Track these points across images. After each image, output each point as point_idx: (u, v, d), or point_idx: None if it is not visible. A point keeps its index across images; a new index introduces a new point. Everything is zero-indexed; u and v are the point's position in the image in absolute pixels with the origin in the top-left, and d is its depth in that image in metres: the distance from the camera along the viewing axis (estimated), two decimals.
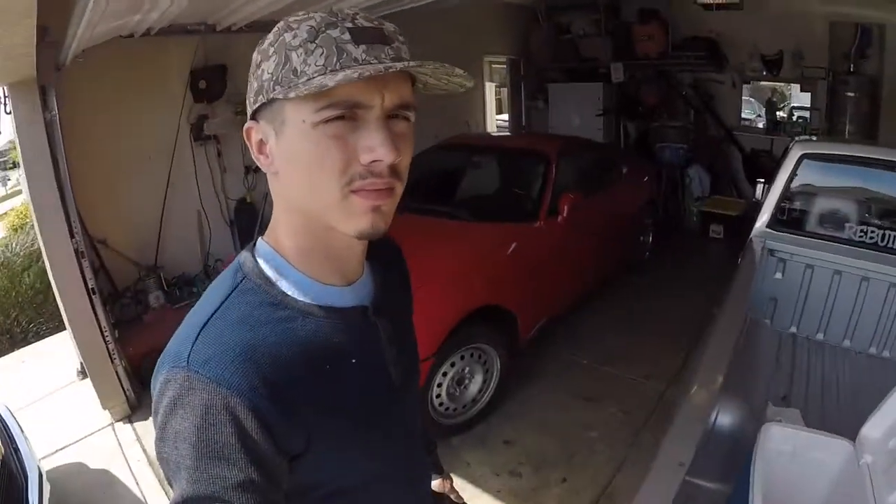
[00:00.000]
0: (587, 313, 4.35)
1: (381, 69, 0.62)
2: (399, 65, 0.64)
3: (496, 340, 3.19)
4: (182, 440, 0.63)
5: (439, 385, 2.96)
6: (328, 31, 0.65)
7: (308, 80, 0.63)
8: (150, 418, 0.72)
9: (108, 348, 3.46)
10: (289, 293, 0.73)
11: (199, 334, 0.67)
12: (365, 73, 0.61)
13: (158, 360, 0.69)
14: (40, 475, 2.43)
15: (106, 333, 3.46)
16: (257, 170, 5.04)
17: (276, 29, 0.68)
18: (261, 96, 0.69)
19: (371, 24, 0.68)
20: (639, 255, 5.30)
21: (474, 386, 3.16)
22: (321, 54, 0.64)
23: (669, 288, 4.83)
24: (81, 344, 3.54)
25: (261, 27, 4.42)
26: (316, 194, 0.68)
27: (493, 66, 8.20)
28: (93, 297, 3.47)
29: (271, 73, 0.67)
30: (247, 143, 0.74)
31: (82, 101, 4.29)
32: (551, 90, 7.67)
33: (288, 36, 0.66)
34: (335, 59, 0.64)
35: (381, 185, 0.68)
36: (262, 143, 0.72)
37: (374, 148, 0.66)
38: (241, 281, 0.73)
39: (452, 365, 2.99)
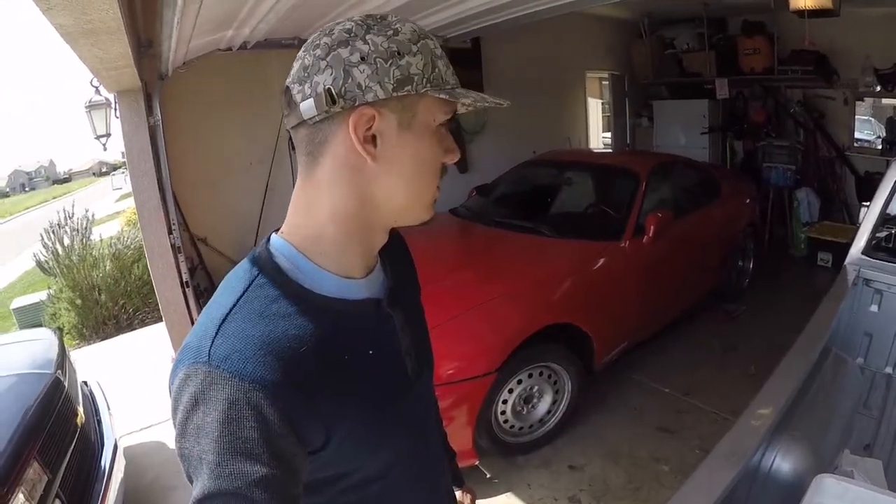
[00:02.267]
0: (673, 340, 4.10)
1: (503, 104, 0.77)
2: (503, 103, 0.77)
3: (569, 361, 3.06)
4: (204, 435, 0.63)
5: (504, 402, 2.88)
6: (425, 41, 0.73)
7: (452, 88, 0.74)
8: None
9: None
10: (305, 286, 0.74)
11: (218, 329, 0.67)
12: (481, 102, 0.76)
13: (177, 355, 0.69)
14: (115, 447, 2.59)
15: None
16: None
17: (411, 28, 0.73)
18: (408, 87, 0.70)
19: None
20: (737, 281, 4.96)
21: (543, 406, 3.05)
22: (451, 72, 0.75)
23: (768, 318, 4.45)
24: (173, 333, 3.77)
25: None
26: (423, 186, 0.76)
27: (602, 82, 8.05)
28: (186, 290, 3.69)
29: (421, 70, 0.71)
30: (352, 127, 0.70)
31: (186, 108, 4.63)
32: (656, 107, 7.44)
33: (431, 43, 0.74)
34: (454, 78, 0.75)
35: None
36: (369, 131, 0.71)
37: (455, 151, 0.78)
38: (257, 275, 0.73)
39: (520, 382, 2.90)
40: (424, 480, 0.93)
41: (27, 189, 75.31)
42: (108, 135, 4.33)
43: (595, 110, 8.07)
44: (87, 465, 2.41)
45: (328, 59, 0.69)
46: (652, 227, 3.54)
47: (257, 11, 3.27)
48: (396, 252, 0.94)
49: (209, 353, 0.64)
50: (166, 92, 3.91)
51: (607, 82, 7.94)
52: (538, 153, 5.20)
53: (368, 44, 0.69)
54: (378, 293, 0.82)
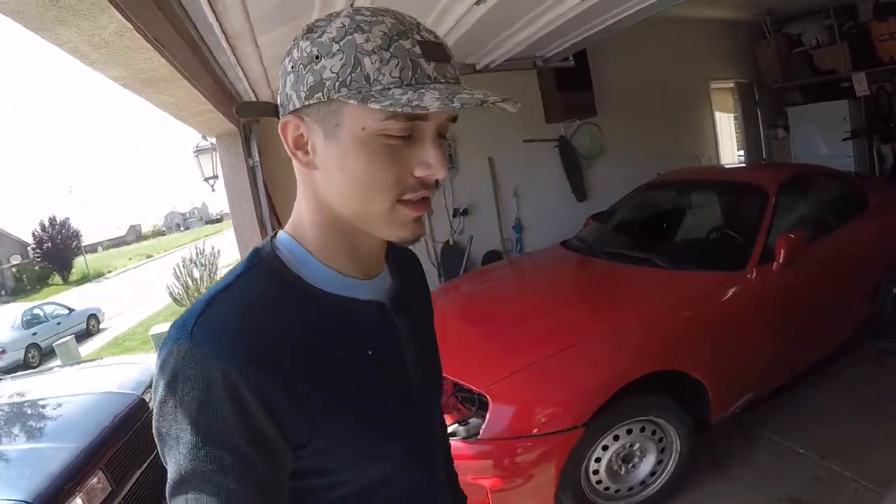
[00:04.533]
0: (812, 388, 3.41)
1: (479, 101, 0.63)
2: (486, 98, 0.64)
3: (677, 416, 2.61)
4: (182, 415, 0.61)
5: (597, 460, 2.49)
6: (400, 41, 0.63)
7: (383, 89, 0.62)
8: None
9: None
10: (304, 279, 0.72)
11: (205, 309, 0.65)
12: (457, 103, 0.61)
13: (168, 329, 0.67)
14: None
15: None
16: (465, 212, 5.12)
17: (339, 24, 0.65)
18: (319, 94, 0.65)
19: (434, 38, 0.67)
20: (893, 313, 4.10)
21: (645, 466, 2.60)
22: (396, 65, 0.63)
23: None
24: None
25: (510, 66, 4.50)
26: (364, 203, 0.69)
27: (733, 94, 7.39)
28: None
29: (336, 73, 0.64)
30: (281, 135, 0.71)
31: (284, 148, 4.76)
32: (791, 114, 6.69)
33: (359, 38, 0.63)
34: (410, 73, 0.63)
35: (428, 196, 0.70)
36: (299, 138, 0.70)
37: (432, 165, 0.67)
38: (257, 263, 0.72)
39: (616, 438, 2.50)
40: (421, 501, 0.85)
41: (182, 228, 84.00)
42: (215, 177, 4.61)
43: (726, 124, 7.34)
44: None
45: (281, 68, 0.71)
46: (783, 252, 2.97)
47: None
48: (407, 264, 0.92)
49: (192, 332, 0.63)
50: (266, 132, 4.00)
51: (734, 93, 7.22)
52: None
53: (297, 50, 0.67)
54: (382, 297, 0.79)
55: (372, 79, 0.63)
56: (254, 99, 3.33)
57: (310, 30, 0.67)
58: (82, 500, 2.14)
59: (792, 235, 3.00)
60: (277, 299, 0.69)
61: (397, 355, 0.79)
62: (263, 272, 0.71)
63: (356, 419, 0.71)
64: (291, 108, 0.68)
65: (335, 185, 0.69)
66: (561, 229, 4.75)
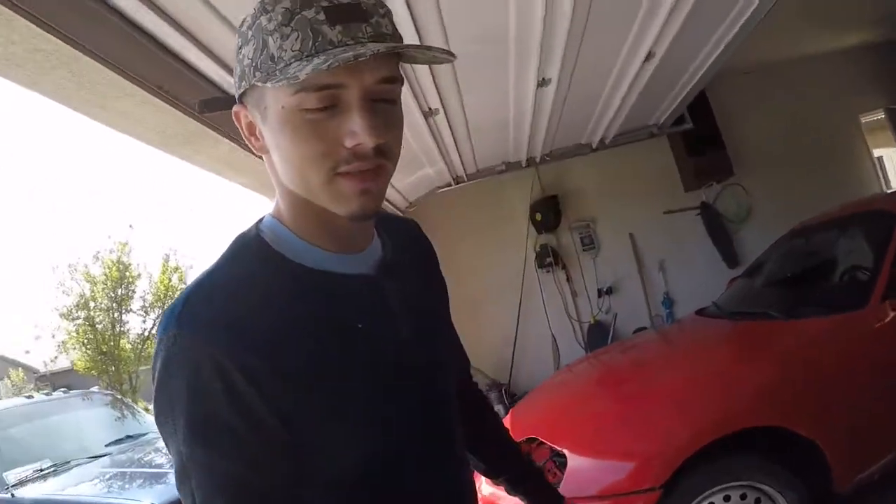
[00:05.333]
0: None
1: (351, 57, 0.59)
2: (367, 51, 0.60)
3: (787, 482, 2.29)
4: (176, 401, 0.62)
5: None
6: (303, 13, 0.62)
7: (285, 66, 0.62)
8: None
9: None
10: (287, 256, 0.72)
11: (191, 293, 0.67)
12: (334, 63, 0.59)
13: None
14: None
15: None
16: (609, 291, 5.15)
17: (253, 10, 0.67)
18: (243, 82, 0.69)
19: (349, 0, 0.64)
20: None
21: None
22: (297, 38, 0.62)
23: None
24: None
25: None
26: (302, 179, 0.68)
27: None
28: None
29: (251, 59, 0.66)
30: (237, 126, 0.75)
31: (436, 242, 5.23)
32: None
33: (264, 20, 0.65)
34: (311, 44, 0.62)
35: (368, 167, 0.67)
36: (252, 126, 0.73)
37: (357, 133, 0.64)
38: (241, 246, 0.74)
39: None
40: (433, 471, 0.81)
41: None
42: None
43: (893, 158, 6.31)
44: None
45: None
46: None
47: (447, 154, 3.73)
48: (405, 234, 0.91)
49: (178, 316, 0.64)
50: None
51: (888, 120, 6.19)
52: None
53: (241, 37, 0.70)
54: (370, 270, 0.78)
55: (276, 57, 0.63)
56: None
57: (241, 22, 0.70)
58: None
59: None
60: (261, 278, 0.70)
61: (389, 329, 0.77)
62: (246, 253, 0.73)
63: (348, 395, 0.70)
64: (237, 98, 0.72)
65: (279, 166, 0.71)
66: (708, 292, 4.47)
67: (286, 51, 0.62)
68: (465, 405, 1.02)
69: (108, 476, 3.69)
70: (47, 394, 6.40)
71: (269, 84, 0.63)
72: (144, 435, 4.55)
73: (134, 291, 15.03)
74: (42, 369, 17.57)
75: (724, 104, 5.10)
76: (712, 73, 3.63)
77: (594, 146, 4.77)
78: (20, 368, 20.59)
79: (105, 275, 14.52)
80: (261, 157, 0.76)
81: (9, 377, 20.42)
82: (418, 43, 2.11)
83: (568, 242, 5.48)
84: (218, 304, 0.66)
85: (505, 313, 5.46)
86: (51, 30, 1.50)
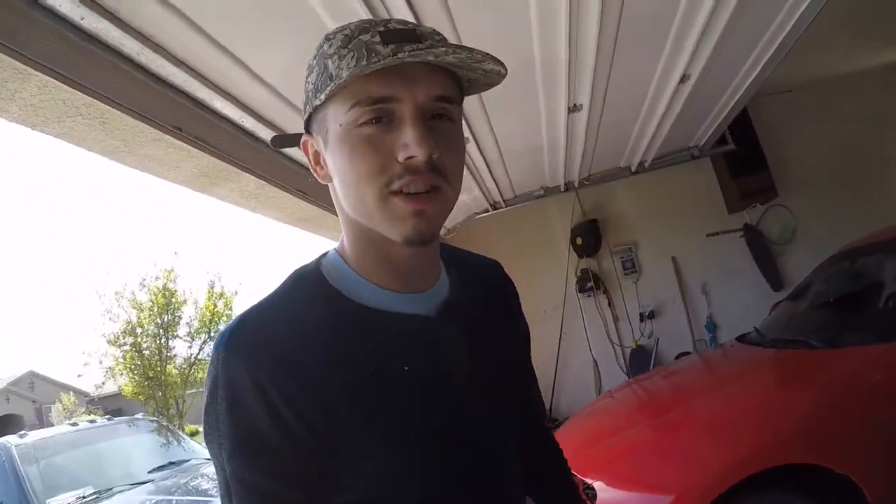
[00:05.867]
0: None
1: (392, 60, 0.61)
2: (406, 56, 0.62)
3: None
4: (222, 420, 0.64)
5: None
6: (360, 36, 0.66)
7: (345, 82, 0.64)
8: None
9: None
10: (343, 292, 0.72)
11: (244, 318, 0.69)
12: (377, 64, 0.61)
13: None
14: None
15: None
16: (651, 316, 5.06)
17: (318, 43, 0.71)
18: (307, 107, 0.72)
19: (404, 26, 0.67)
20: None
21: None
22: (352, 57, 0.65)
23: None
24: None
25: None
26: (359, 199, 0.68)
27: None
28: None
29: (314, 84, 0.69)
30: (306, 157, 0.77)
31: None
32: None
33: (326, 46, 0.69)
34: (364, 61, 0.64)
35: (422, 186, 0.66)
36: (317, 155, 0.75)
37: (409, 145, 0.64)
38: (298, 279, 0.75)
39: None
40: None
41: None
42: None
43: None
44: None
45: None
46: None
47: (483, 181, 3.75)
48: (483, 277, 0.90)
49: (228, 339, 0.66)
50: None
51: None
52: None
53: (308, 69, 0.73)
54: (431, 311, 0.76)
55: (334, 76, 0.65)
56: None
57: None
58: None
59: None
60: (311, 312, 0.70)
61: (439, 374, 0.74)
62: (302, 286, 0.73)
63: (389, 437, 0.68)
64: (304, 128, 0.76)
65: (339, 190, 0.71)
66: (756, 324, 4.32)
67: (343, 69, 0.64)
68: (537, 459, 1.01)
69: (150, 503, 3.72)
70: (91, 420, 6.65)
71: (321, 97, 0.66)
72: (188, 461, 4.59)
73: (180, 318, 15.26)
74: (93, 393, 17.92)
75: (767, 124, 5.00)
76: (751, 93, 3.55)
77: (634, 169, 4.71)
78: (71, 392, 21.32)
79: (151, 301, 14.78)
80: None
81: (60, 401, 21.12)
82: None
83: (609, 267, 5.43)
84: (266, 331, 0.67)
85: (546, 338, 5.40)
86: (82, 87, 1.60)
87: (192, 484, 4.05)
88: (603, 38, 2.33)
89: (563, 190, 4.86)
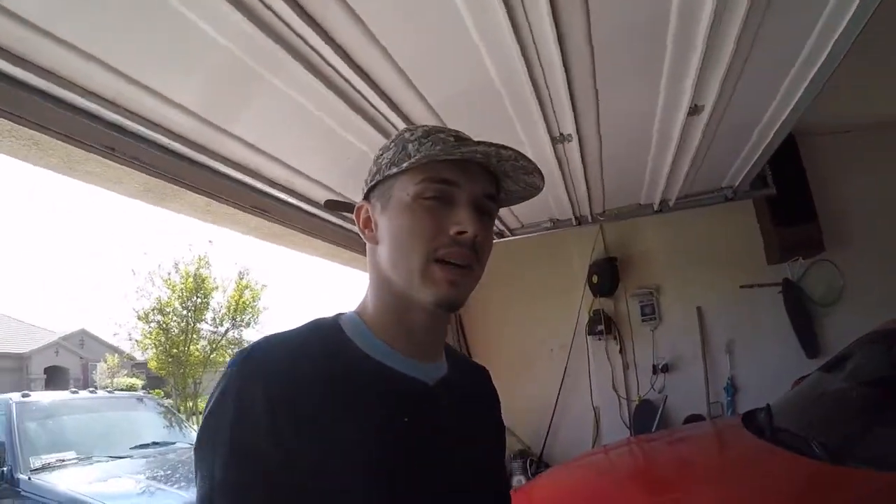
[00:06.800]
0: None
1: (457, 153, 0.77)
2: (467, 148, 0.77)
3: None
4: (225, 427, 0.69)
5: None
6: (438, 134, 0.81)
7: (418, 161, 0.77)
8: None
9: None
10: (355, 342, 0.80)
11: (262, 341, 0.77)
12: (442, 155, 0.77)
13: None
14: None
15: None
16: (665, 369, 4.62)
17: (396, 133, 0.86)
18: (377, 176, 0.83)
19: (469, 138, 0.82)
20: None
21: None
22: (430, 145, 0.79)
23: None
24: None
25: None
26: (405, 259, 0.78)
27: None
28: None
29: (390, 159, 0.82)
30: (355, 220, 0.88)
31: (482, 304, 5.01)
32: None
33: (406, 133, 0.83)
34: (439, 148, 0.78)
35: (462, 259, 0.77)
36: (368, 220, 0.86)
37: (462, 223, 0.77)
38: (316, 324, 0.82)
39: None
40: None
41: None
42: None
43: None
44: None
45: None
46: None
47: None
48: (471, 375, 0.98)
49: (244, 359, 0.73)
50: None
51: None
52: None
53: (382, 149, 0.86)
54: (430, 381, 0.83)
55: (411, 155, 0.79)
56: None
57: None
58: None
59: None
60: (324, 352, 0.77)
61: (434, 432, 0.80)
62: (319, 330, 0.81)
63: (369, 477, 0.72)
64: (363, 197, 0.87)
65: (387, 251, 0.81)
66: (783, 392, 3.73)
67: (420, 151, 0.78)
68: None
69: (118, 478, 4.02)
70: (110, 391, 7.50)
71: (395, 169, 0.79)
72: (173, 444, 4.97)
73: (208, 303, 15.86)
74: (139, 358, 18.73)
75: (819, 167, 4.33)
76: (787, 129, 3.00)
77: (656, 208, 4.18)
78: (116, 354, 22.24)
79: (182, 284, 15.44)
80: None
81: (105, 361, 22.11)
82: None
83: (624, 310, 4.95)
84: (281, 360, 0.73)
85: (548, 377, 5.04)
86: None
87: (164, 468, 4.33)
88: (572, 60, 2.03)
89: (574, 224, 4.39)
